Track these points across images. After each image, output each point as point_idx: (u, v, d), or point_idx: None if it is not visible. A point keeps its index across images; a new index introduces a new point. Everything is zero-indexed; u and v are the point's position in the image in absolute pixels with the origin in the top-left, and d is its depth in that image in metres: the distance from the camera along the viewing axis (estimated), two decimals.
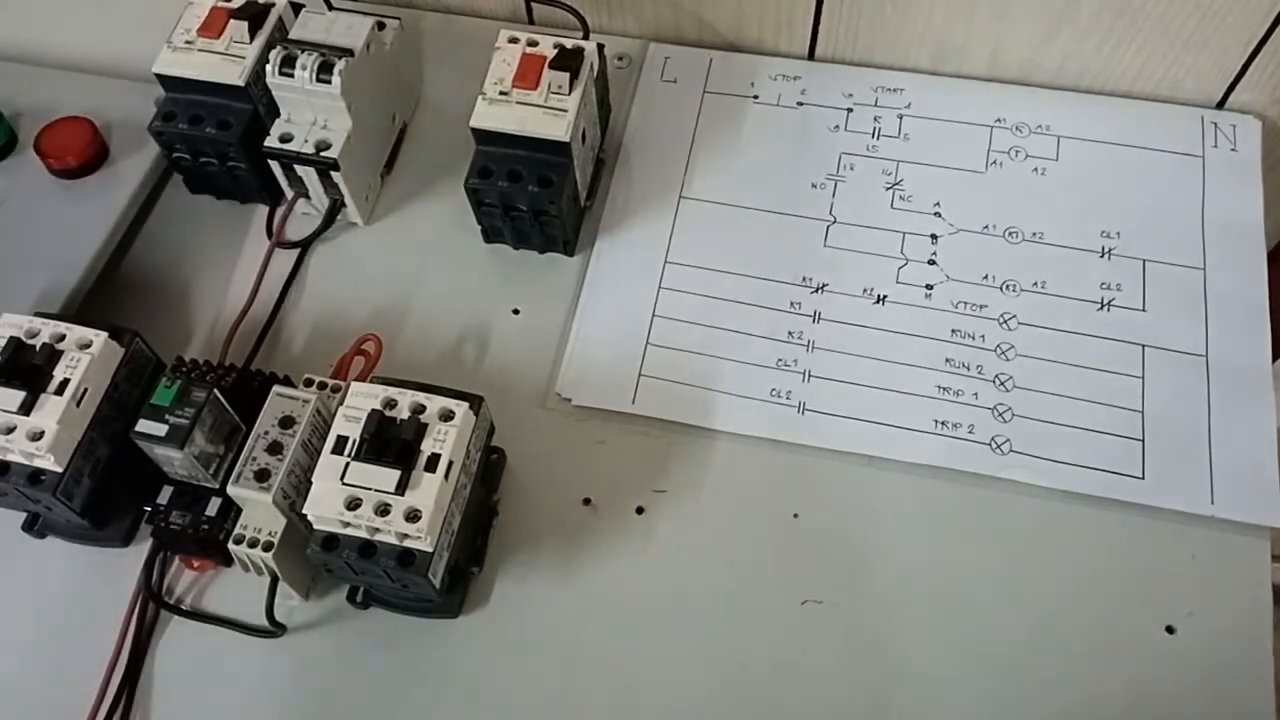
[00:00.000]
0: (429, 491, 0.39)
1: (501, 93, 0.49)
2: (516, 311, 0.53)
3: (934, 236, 0.53)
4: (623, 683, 0.44)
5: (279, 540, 0.42)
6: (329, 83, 0.49)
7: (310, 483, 0.40)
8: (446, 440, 0.40)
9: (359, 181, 0.53)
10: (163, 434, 0.41)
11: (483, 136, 0.50)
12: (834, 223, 0.54)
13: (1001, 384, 0.49)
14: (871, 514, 0.47)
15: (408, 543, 0.39)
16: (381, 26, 0.53)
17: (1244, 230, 0.53)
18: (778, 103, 0.58)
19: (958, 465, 0.47)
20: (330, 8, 0.53)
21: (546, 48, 0.50)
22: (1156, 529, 0.46)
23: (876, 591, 0.45)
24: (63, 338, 0.43)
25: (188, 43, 0.51)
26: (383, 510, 0.39)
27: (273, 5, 0.52)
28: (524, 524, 0.47)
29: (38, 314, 0.44)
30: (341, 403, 0.42)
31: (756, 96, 0.58)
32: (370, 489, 0.39)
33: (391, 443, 0.40)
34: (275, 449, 0.42)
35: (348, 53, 0.50)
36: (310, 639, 0.45)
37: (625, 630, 0.45)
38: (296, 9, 0.52)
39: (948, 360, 0.50)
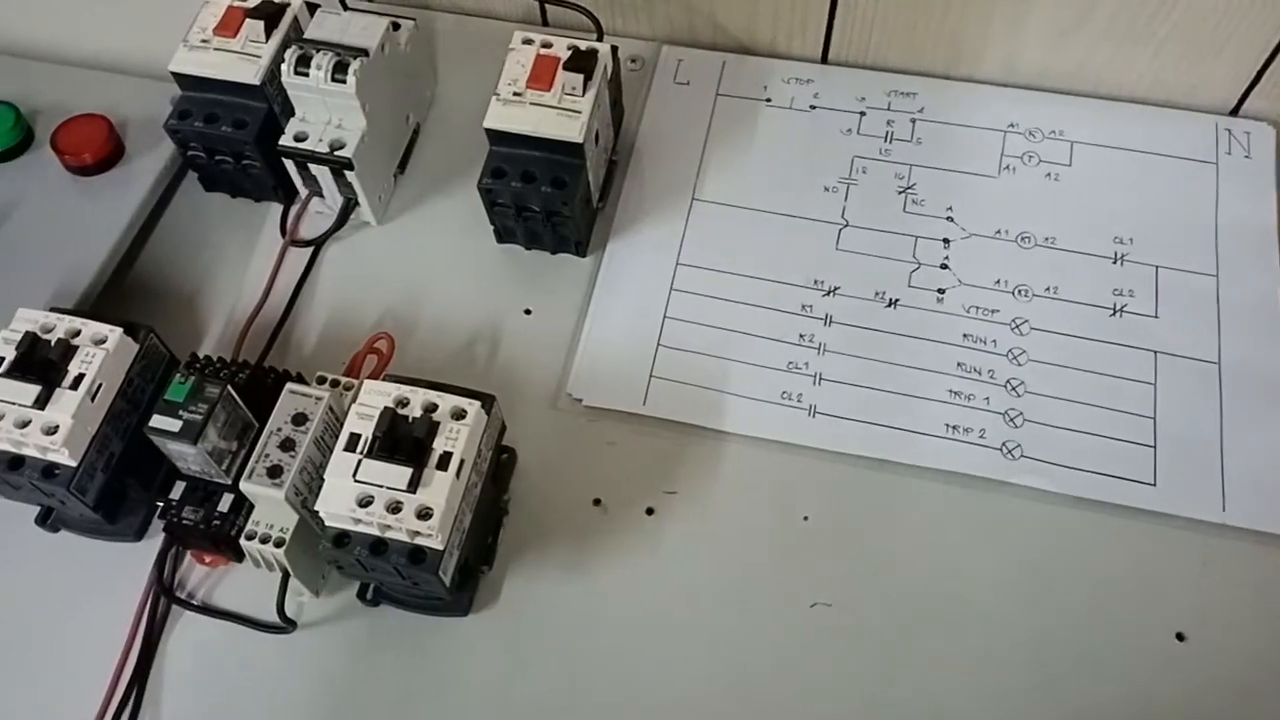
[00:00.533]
0: (440, 490, 0.39)
1: (515, 94, 0.49)
2: (528, 312, 0.53)
3: (946, 241, 0.53)
4: (631, 683, 0.44)
5: (290, 537, 0.42)
6: (344, 82, 0.49)
7: (322, 479, 0.40)
8: (458, 439, 0.41)
9: (373, 181, 0.53)
10: (176, 429, 0.41)
11: (496, 137, 0.50)
12: (846, 226, 0.54)
13: (1013, 389, 0.49)
14: (882, 518, 0.47)
15: (419, 540, 0.40)
16: (396, 27, 0.53)
17: (1257, 237, 0.52)
18: (790, 106, 0.58)
19: (968, 470, 0.47)
20: (345, 8, 0.54)
21: (560, 49, 0.50)
22: (1167, 536, 0.46)
23: (885, 595, 0.45)
24: (78, 333, 0.43)
25: (204, 41, 0.52)
26: (394, 508, 0.39)
27: (288, 5, 0.53)
28: (534, 523, 0.47)
29: (53, 309, 0.44)
30: (354, 400, 0.42)
31: (769, 99, 0.58)
32: (382, 486, 0.39)
33: (404, 441, 0.40)
34: (288, 446, 0.42)
35: (363, 53, 0.50)
36: (320, 635, 0.45)
37: (634, 631, 0.45)
38: (312, 9, 0.52)
39: (959, 365, 0.50)
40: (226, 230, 0.56)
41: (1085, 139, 0.56)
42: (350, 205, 0.54)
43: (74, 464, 0.42)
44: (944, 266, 0.52)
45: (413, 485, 0.39)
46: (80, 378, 0.42)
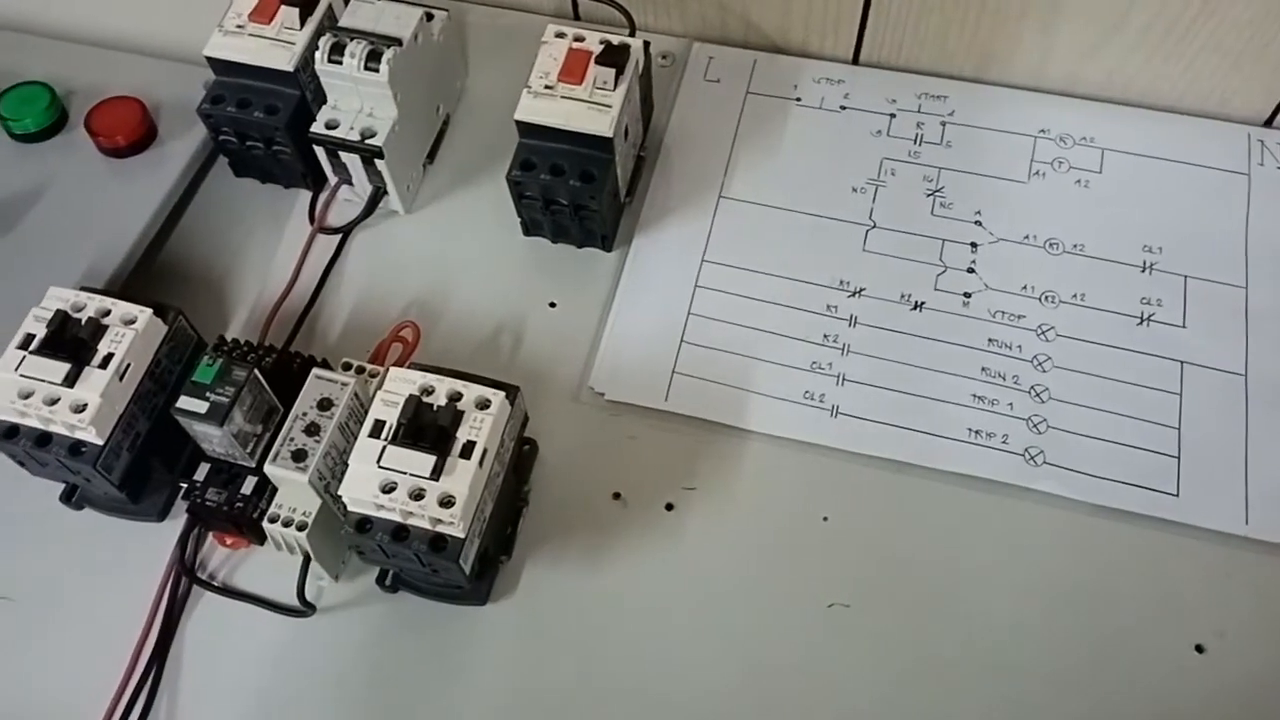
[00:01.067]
0: (463, 478, 0.40)
1: (547, 87, 0.50)
2: (553, 305, 0.53)
3: (974, 245, 0.53)
4: (646, 677, 0.44)
5: (313, 521, 0.42)
6: (377, 71, 0.49)
7: (346, 465, 0.40)
8: (482, 428, 0.41)
9: (402, 170, 0.54)
10: (203, 411, 0.41)
11: (526, 129, 0.50)
12: (873, 227, 0.54)
13: (1037, 395, 0.49)
14: (901, 520, 0.47)
15: (440, 528, 0.40)
16: (430, 17, 0.53)
17: None
18: (820, 106, 0.58)
19: (990, 475, 0.47)
20: None
21: (593, 43, 0.50)
22: (1189, 547, 0.46)
23: (903, 598, 0.45)
24: (108, 313, 0.44)
25: (239, 27, 0.52)
26: (417, 495, 0.39)
27: None
28: (553, 515, 0.47)
29: (84, 289, 0.45)
30: (380, 387, 0.42)
31: (799, 99, 0.58)
32: (405, 473, 0.40)
33: (428, 428, 0.41)
34: (313, 430, 0.42)
35: (396, 42, 0.50)
36: (339, 620, 0.45)
37: (651, 625, 0.45)
38: None
39: (984, 369, 0.50)
40: (255, 216, 0.56)
41: (1116, 146, 0.55)
42: (379, 194, 0.54)
43: (100, 442, 0.43)
44: (971, 270, 0.52)
45: (436, 473, 0.39)
46: (109, 357, 0.43)
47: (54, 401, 0.42)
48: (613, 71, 0.49)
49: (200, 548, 0.47)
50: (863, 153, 0.56)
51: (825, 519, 0.47)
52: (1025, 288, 0.52)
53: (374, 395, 0.42)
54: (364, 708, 0.44)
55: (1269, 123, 0.56)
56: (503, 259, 0.54)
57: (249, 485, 0.44)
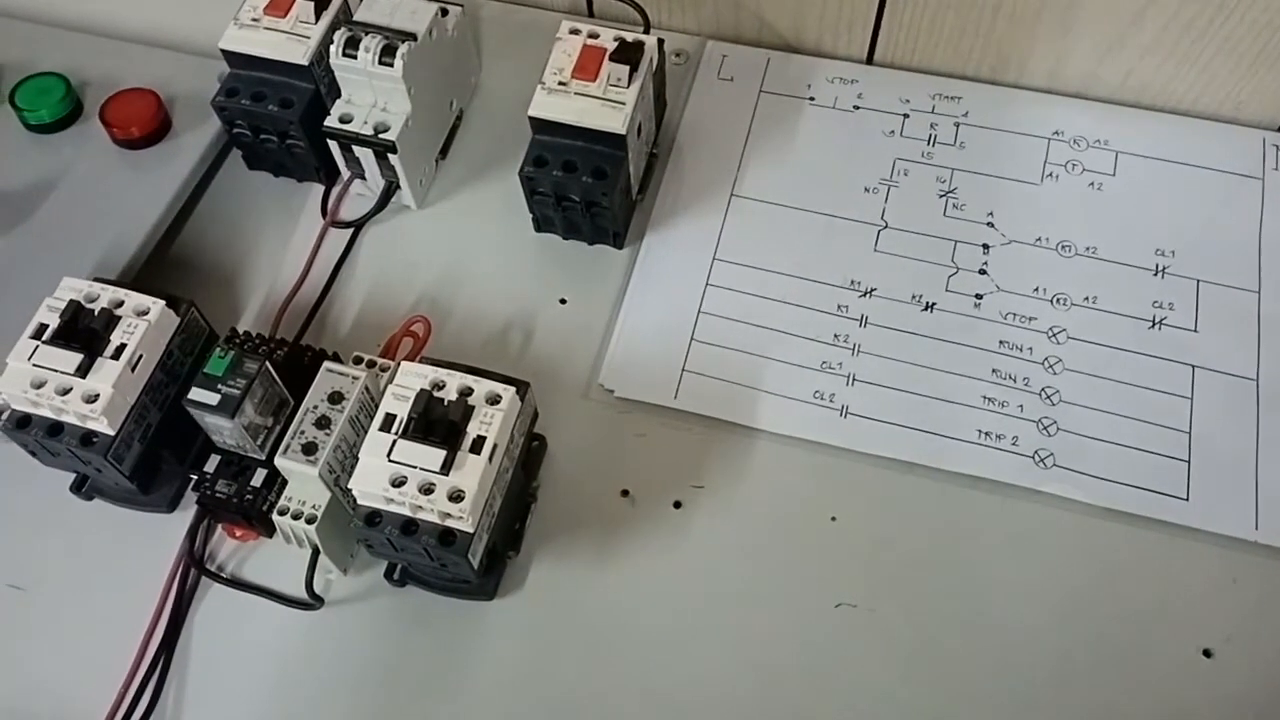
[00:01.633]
0: (473, 473, 0.40)
1: (560, 83, 0.50)
2: (563, 301, 0.53)
3: (986, 246, 0.53)
4: (652, 674, 0.44)
5: (322, 514, 0.42)
6: (391, 66, 0.49)
7: (356, 458, 0.41)
8: (492, 423, 0.41)
9: (415, 165, 0.54)
10: (214, 403, 0.41)
11: (540, 126, 0.50)
12: (885, 228, 0.54)
13: (1047, 397, 0.49)
14: (910, 521, 0.47)
15: (449, 522, 0.40)
16: (444, 13, 0.53)
17: None
18: (834, 105, 0.58)
19: (999, 476, 0.47)
20: None
21: (607, 40, 0.50)
22: (1198, 551, 0.46)
23: (911, 599, 0.45)
24: (121, 304, 0.44)
25: (254, 20, 0.52)
26: (427, 489, 0.39)
27: None
28: (562, 512, 0.47)
29: (97, 279, 0.45)
30: (391, 381, 0.42)
31: (813, 98, 0.58)
32: (415, 467, 0.40)
33: (438, 423, 0.41)
34: (323, 424, 0.42)
35: (410, 37, 0.50)
36: (347, 613, 0.46)
37: (657, 622, 0.45)
38: None
39: (994, 371, 0.50)
40: (268, 209, 0.56)
41: (1130, 149, 0.55)
42: (391, 188, 0.54)
43: (112, 433, 0.43)
44: (983, 272, 0.52)
45: (446, 467, 0.40)
46: (122, 348, 0.43)
47: (66, 391, 0.42)
48: (627, 69, 0.49)
49: (210, 539, 0.47)
50: (876, 153, 0.56)
51: (833, 519, 0.47)
52: (1037, 290, 0.52)
53: (385, 389, 0.42)
54: (371, 701, 0.44)
55: None
56: (514, 255, 0.54)
57: (259, 477, 0.44)
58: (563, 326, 0.52)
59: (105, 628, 0.45)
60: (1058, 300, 0.51)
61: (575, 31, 0.51)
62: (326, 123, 0.51)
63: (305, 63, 0.51)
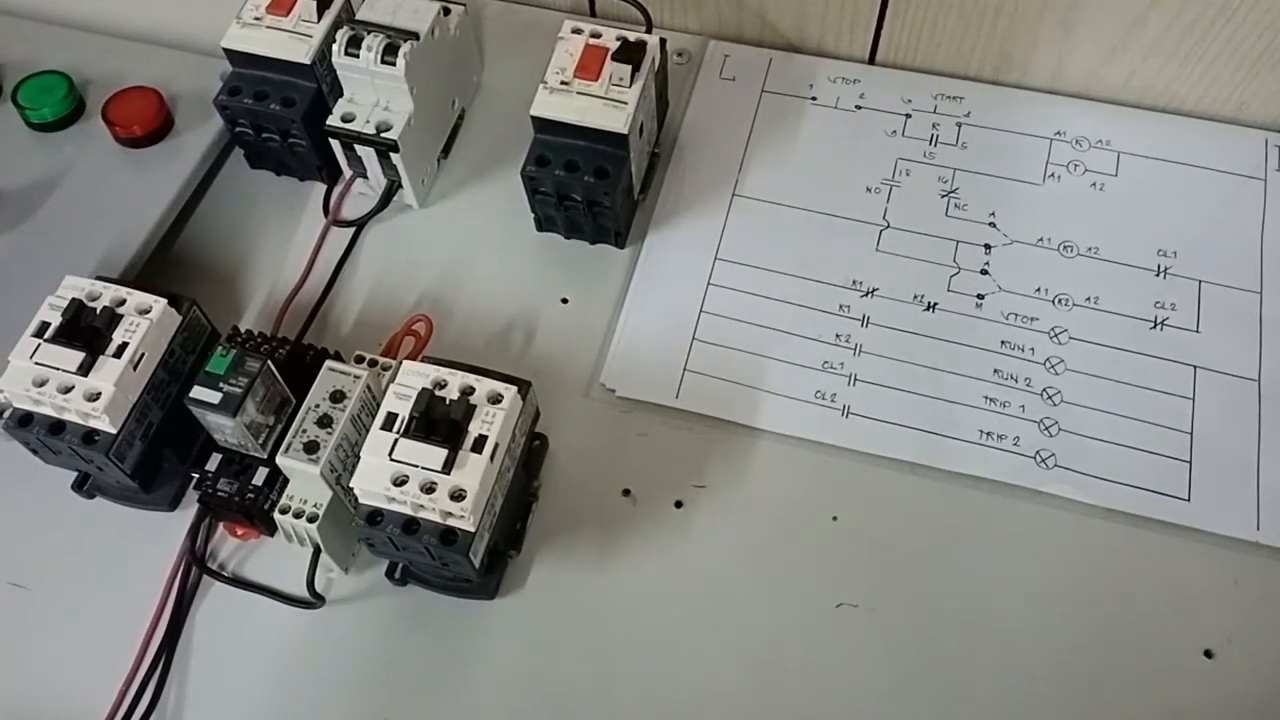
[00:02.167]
0: (474, 472, 0.40)
1: (563, 83, 0.50)
2: (565, 301, 0.53)
3: (987, 246, 0.53)
4: (653, 673, 0.44)
5: (324, 512, 0.42)
6: (393, 65, 0.49)
7: (358, 457, 0.41)
8: (494, 423, 0.41)
9: (417, 164, 0.54)
10: (216, 401, 0.41)
11: (542, 125, 0.50)
12: (887, 228, 0.54)
13: (1049, 398, 0.49)
14: (911, 521, 0.47)
15: (451, 521, 0.40)
16: (447, 12, 0.53)
17: None
18: (836, 105, 0.58)
19: (1001, 477, 0.47)
20: None
21: (609, 40, 0.50)
22: (1199, 552, 0.46)
23: (912, 599, 0.45)
24: (123, 302, 0.44)
25: (256, 19, 0.52)
26: (428, 488, 0.39)
27: None
28: (563, 511, 0.47)
29: (99, 278, 0.45)
30: (393, 380, 0.42)
31: (815, 98, 0.58)
32: (417, 466, 0.40)
33: (440, 422, 0.41)
34: (325, 422, 0.42)
35: (413, 36, 0.50)
36: (348, 612, 0.46)
37: (658, 622, 0.45)
38: None
39: (996, 371, 0.50)
40: (270, 208, 0.56)
41: (1132, 150, 0.55)
42: (393, 188, 0.54)
43: (114, 431, 0.43)
44: (984, 272, 0.52)
45: (447, 467, 0.40)
46: (124, 346, 0.43)
47: (68, 390, 0.42)
48: (629, 68, 0.49)
49: (211, 538, 0.47)
50: (877, 153, 0.56)
51: (835, 519, 0.47)
52: (1039, 290, 0.52)
53: (386, 388, 0.42)
54: (372, 699, 0.44)
55: None
56: (516, 254, 0.54)
57: (260, 476, 0.44)
58: (564, 326, 0.52)
59: (106, 626, 0.45)
60: (1059, 300, 0.51)
61: (577, 31, 0.51)
62: (329, 122, 0.51)
63: (308, 62, 0.51)
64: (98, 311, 0.43)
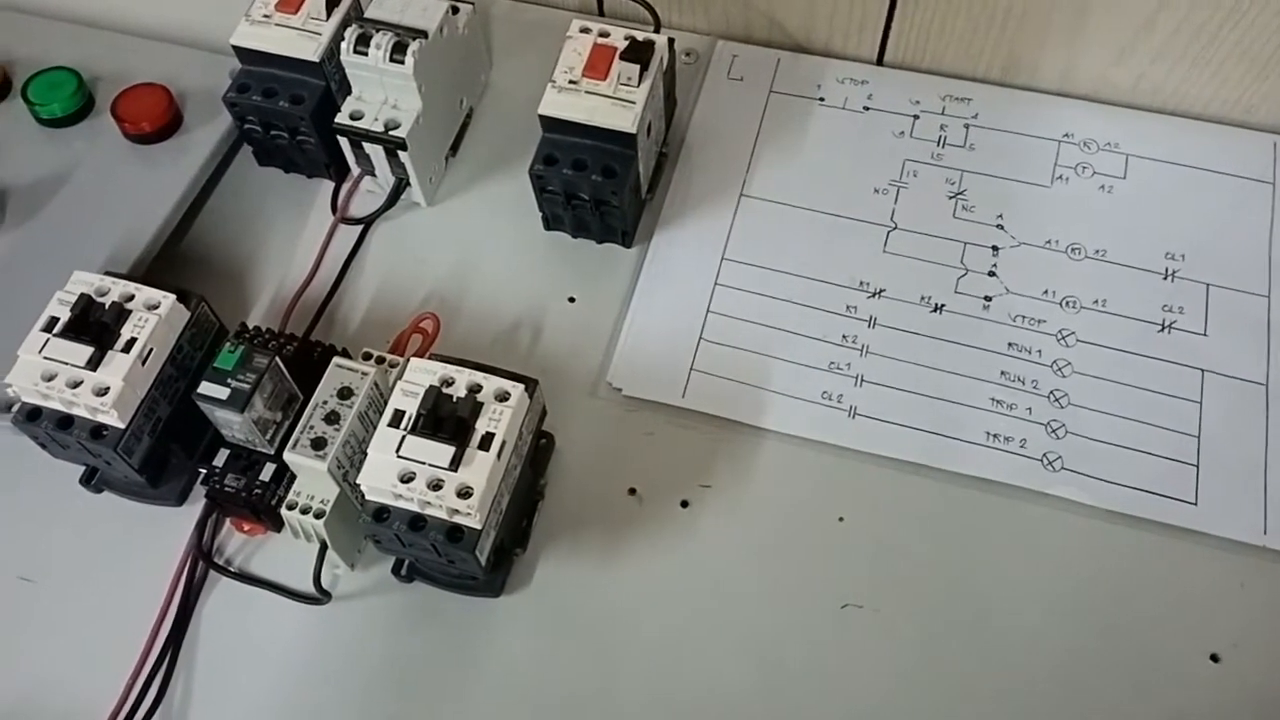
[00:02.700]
0: (481, 470, 0.40)
1: (571, 82, 0.50)
2: (572, 300, 0.53)
3: (995, 248, 0.53)
4: (657, 673, 0.44)
5: (330, 509, 0.43)
6: (402, 63, 0.49)
7: (365, 454, 0.41)
8: (501, 420, 0.41)
9: (425, 163, 0.54)
10: (224, 397, 0.41)
11: (550, 124, 0.50)
12: (894, 229, 0.54)
13: (1056, 400, 0.49)
14: (917, 522, 0.47)
15: (457, 519, 0.40)
16: (455, 10, 0.53)
17: None
18: (844, 106, 0.58)
19: (1007, 479, 0.47)
20: None
21: (617, 39, 0.50)
22: (1206, 556, 0.46)
23: (917, 600, 0.45)
24: (131, 298, 0.44)
25: (265, 17, 0.52)
26: (435, 485, 0.39)
27: None
28: (569, 509, 0.47)
29: (108, 273, 0.45)
30: (400, 377, 0.42)
31: (822, 99, 0.58)
32: (424, 463, 0.40)
33: (447, 419, 0.41)
34: (332, 419, 0.42)
35: (421, 34, 0.50)
36: (354, 608, 0.46)
37: (663, 620, 0.45)
38: None
39: (1003, 373, 0.50)
40: (278, 205, 0.56)
41: (1141, 152, 0.55)
42: (401, 186, 0.54)
43: (122, 426, 0.43)
44: (992, 274, 0.52)
45: (454, 464, 0.40)
46: (132, 342, 0.43)
47: (77, 384, 0.42)
48: (637, 68, 0.49)
49: (218, 533, 0.47)
50: (885, 154, 0.56)
51: (841, 519, 0.47)
52: (1046, 292, 0.52)
53: (394, 385, 0.42)
54: (377, 696, 0.44)
55: None
56: (523, 253, 0.54)
57: (268, 472, 0.44)
58: (571, 325, 0.52)
59: (113, 620, 0.45)
60: (1067, 303, 0.51)
61: (586, 30, 0.51)
62: (337, 119, 0.51)
63: (316, 59, 0.51)
64: (106, 307, 0.44)
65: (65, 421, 0.43)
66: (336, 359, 0.44)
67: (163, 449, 0.46)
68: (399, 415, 0.41)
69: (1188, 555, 0.46)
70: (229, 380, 0.42)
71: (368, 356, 0.46)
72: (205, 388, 0.42)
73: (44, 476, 0.48)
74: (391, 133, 0.51)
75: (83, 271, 0.45)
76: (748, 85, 0.59)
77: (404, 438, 0.40)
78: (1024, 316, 0.51)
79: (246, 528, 0.46)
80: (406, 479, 0.40)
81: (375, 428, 0.41)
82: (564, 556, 0.47)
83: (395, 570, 0.45)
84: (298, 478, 0.43)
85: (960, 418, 0.49)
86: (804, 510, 0.47)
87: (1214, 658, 0.44)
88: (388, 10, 0.51)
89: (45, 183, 0.54)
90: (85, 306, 0.43)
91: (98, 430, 0.43)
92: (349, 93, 0.52)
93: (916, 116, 0.57)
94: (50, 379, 0.42)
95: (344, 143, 0.53)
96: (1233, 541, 0.46)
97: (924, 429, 0.48)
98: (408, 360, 0.43)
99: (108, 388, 0.42)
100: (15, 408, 0.44)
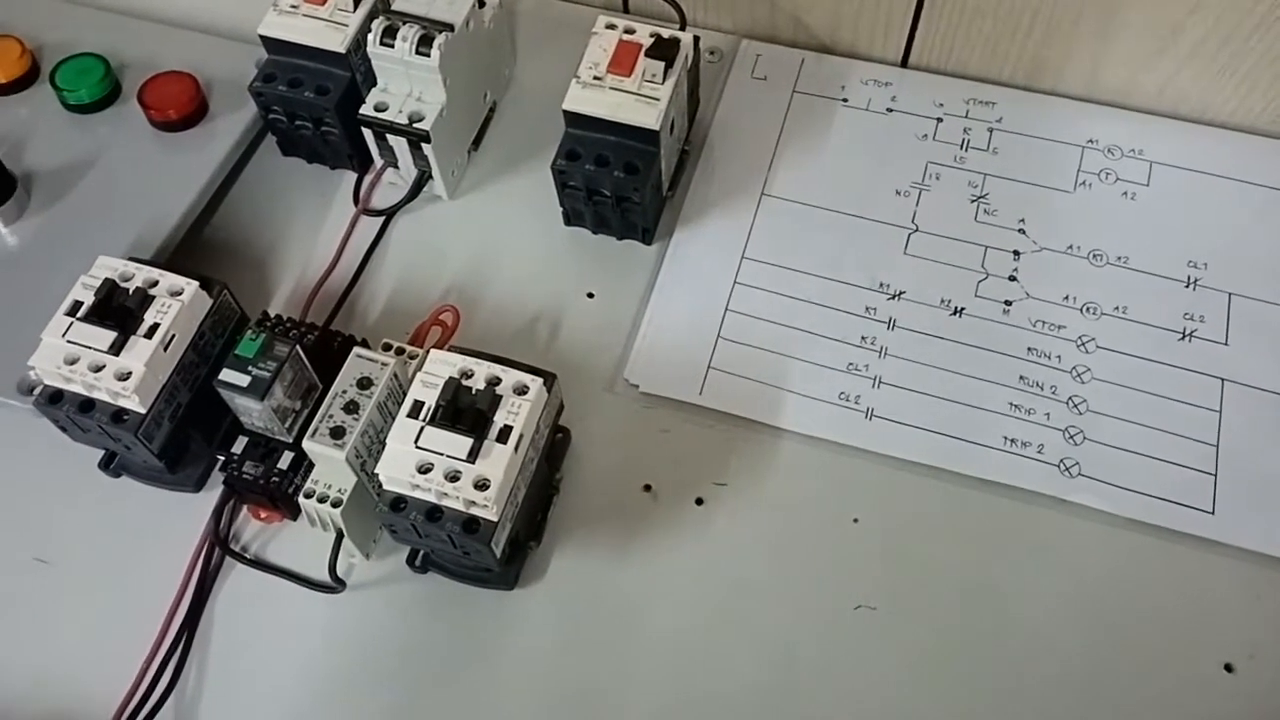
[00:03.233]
0: (499, 462, 0.40)
1: (595, 78, 0.50)
2: (591, 295, 0.53)
3: (1016, 253, 0.53)
4: (669, 669, 0.44)
5: (348, 498, 0.43)
6: (428, 56, 0.50)
7: (383, 444, 0.41)
8: (519, 413, 0.41)
9: (447, 155, 0.54)
10: (245, 384, 0.42)
11: (573, 120, 0.50)
12: (915, 231, 0.54)
13: (1075, 406, 0.49)
14: (932, 525, 0.47)
15: (474, 510, 0.40)
16: (481, 4, 0.53)
17: None
18: (867, 107, 0.58)
19: (1024, 484, 0.47)
20: None
21: (643, 36, 0.50)
22: (1223, 565, 0.45)
23: (931, 603, 0.45)
24: (155, 284, 0.44)
25: (293, 7, 0.52)
26: (453, 476, 0.40)
27: None
28: (584, 505, 0.48)
29: (131, 259, 0.45)
30: (419, 368, 0.42)
31: (846, 100, 0.58)
32: (442, 454, 0.40)
33: (465, 411, 0.41)
34: (351, 408, 0.42)
35: (448, 27, 0.50)
36: (368, 597, 0.46)
37: (675, 617, 0.45)
38: None
39: (1022, 378, 0.49)
40: (301, 195, 0.57)
41: (1165, 160, 0.55)
42: (424, 178, 0.55)
43: (143, 411, 0.43)
44: (1012, 279, 0.52)
45: (472, 456, 0.40)
46: (155, 327, 0.43)
47: (99, 368, 0.42)
48: (662, 65, 0.49)
49: (234, 520, 0.47)
50: (908, 156, 0.56)
51: (855, 521, 0.47)
52: (1067, 298, 0.51)
53: (413, 376, 0.42)
54: (390, 685, 0.44)
55: None
56: (543, 248, 0.55)
57: (286, 460, 0.44)
58: (590, 320, 0.52)
59: (128, 604, 0.46)
60: (1087, 309, 0.51)
61: (611, 26, 0.51)
62: (361, 110, 0.52)
63: (342, 51, 0.52)
64: (130, 292, 0.44)
65: (87, 405, 0.43)
66: (357, 349, 0.44)
67: (182, 435, 0.46)
68: (418, 406, 0.41)
69: (1204, 565, 0.45)
70: (250, 368, 0.42)
71: (387, 347, 0.46)
72: (226, 374, 0.42)
73: (63, 459, 0.48)
74: (415, 125, 0.51)
75: (107, 257, 0.45)
76: (771, 85, 0.59)
77: (422, 429, 0.40)
78: (1044, 321, 0.51)
79: (263, 515, 0.47)
80: (424, 470, 0.40)
81: (394, 418, 0.41)
82: (578, 551, 0.47)
83: (410, 561, 0.46)
84: (316, 466, 0.43)
85: (978, 422, 0.48)
86: (819, 510, 0.47)
87: (1228, 668, 0.43)
88: (415, 3, 0.51)
89: (71, 168, 0.54)
90: (109, 291, 0.44)
91: (119, 414, 0.43)
92: (374, 84, 0.52)
93: (940, 119, 0.57)
94: (73, 362, 0.42)
95: (368, 134, 0.53)
96: (1249, 552, 0.45)
97: (941, 432, 0.48)
98: (427, 352, 0.43)
99: (130, 372, 0.42)
100: (38, 390, 0.44)
